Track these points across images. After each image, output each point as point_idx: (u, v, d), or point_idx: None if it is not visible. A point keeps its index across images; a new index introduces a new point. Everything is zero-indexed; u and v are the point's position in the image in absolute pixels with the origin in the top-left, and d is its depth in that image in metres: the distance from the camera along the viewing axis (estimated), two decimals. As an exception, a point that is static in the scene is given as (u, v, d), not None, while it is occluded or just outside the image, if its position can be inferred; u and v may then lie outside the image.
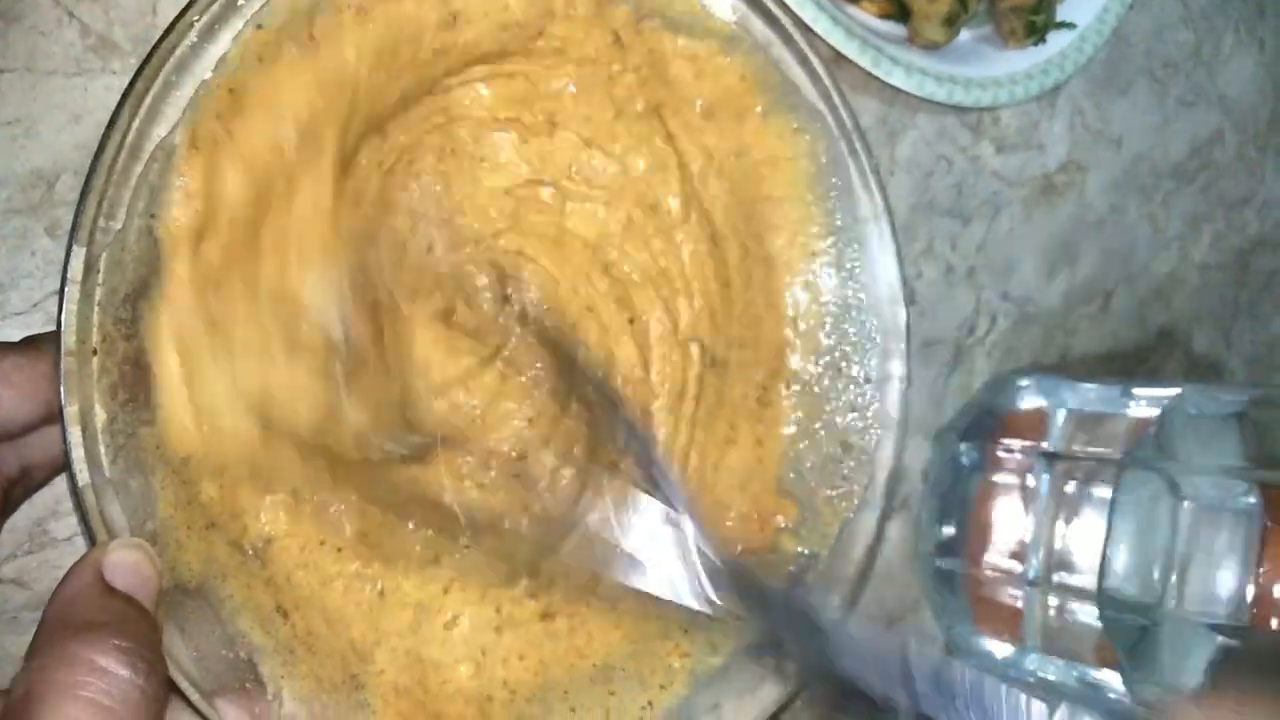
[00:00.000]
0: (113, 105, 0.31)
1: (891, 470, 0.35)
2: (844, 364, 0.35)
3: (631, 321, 0.37)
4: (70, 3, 0.31)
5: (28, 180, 0.31)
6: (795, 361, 0.36)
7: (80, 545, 0.32)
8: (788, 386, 0.36)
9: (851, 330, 0.35)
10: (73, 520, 0.32)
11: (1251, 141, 0.58)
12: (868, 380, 0.35)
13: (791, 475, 0.35)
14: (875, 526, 0.35)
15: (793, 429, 0.36)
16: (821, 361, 0.36)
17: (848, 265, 0.35)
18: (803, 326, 0.36)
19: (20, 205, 0.31)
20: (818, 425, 0.35)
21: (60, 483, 0.31)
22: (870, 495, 0.34)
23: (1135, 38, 0.52)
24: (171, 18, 0.31)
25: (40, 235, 0.31)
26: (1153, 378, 0.54)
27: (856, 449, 0.35)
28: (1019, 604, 0.43)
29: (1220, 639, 0.38)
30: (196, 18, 0.27)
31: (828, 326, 0.35)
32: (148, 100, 0.27)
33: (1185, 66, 0.55)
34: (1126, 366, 0.54)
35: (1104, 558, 0.39)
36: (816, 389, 0.36)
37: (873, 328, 0.35)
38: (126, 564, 0.25)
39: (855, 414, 0.35)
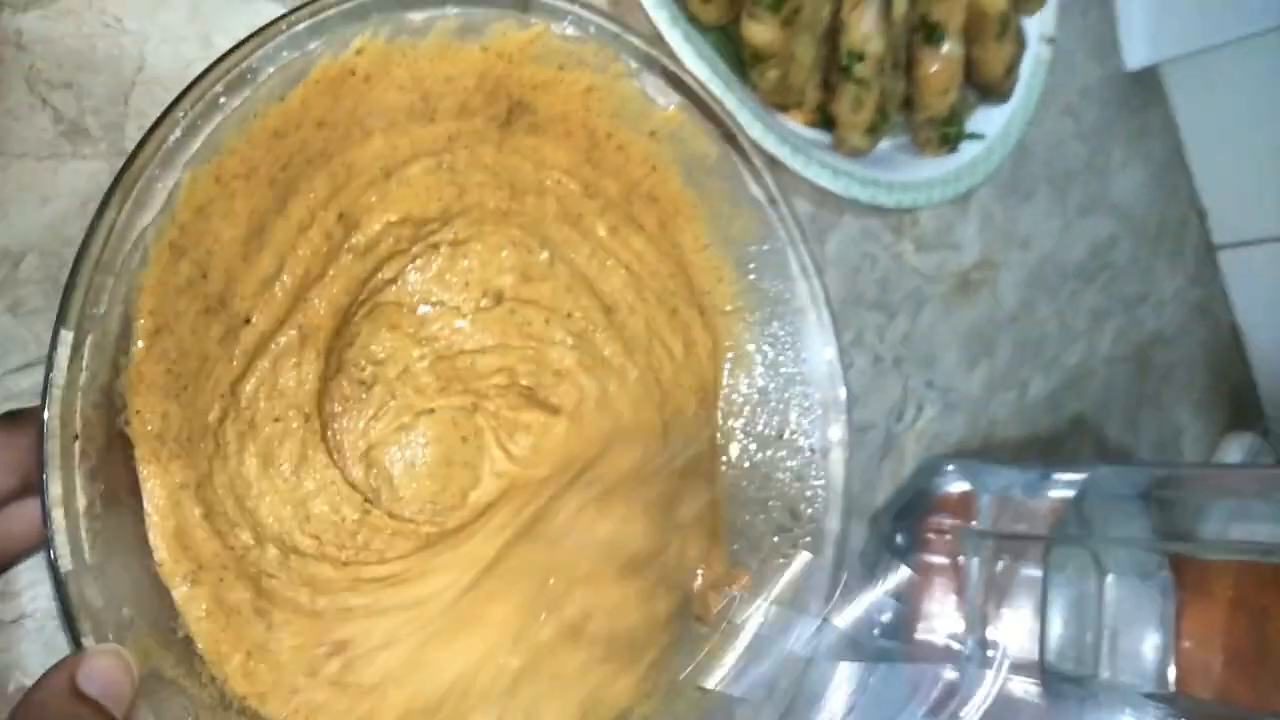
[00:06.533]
0: (82, 188, 0.32)
1: (839, 536, 0.36)
2: (786, 433, 0.37)
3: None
4: (44, 90, 0.32)
5: (-9, 259, 0.32)
6: (739, 432, 0.37)
7: (29, 629, 0.31)
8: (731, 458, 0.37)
9: (794, 403, 0.37)
10: (19, 603, 0.31)
11: (1143, 245, 0.63)
12: (812, 450, 0.37)
13: (742, 545, 0.37)
14: (826, 590, 0.36)
15: (738, 498, 0.37)
16: (766, 432, 0.37)
17: (788, 346, 0.38)
18: (742, 402, 0.37)
19: (-18, 284, 0.31)
20: (765, 494, 0.37)
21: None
22: (820, 561, 0.35)
23: (1036, 149, 0.57)
24: (141, 106, 0.33)
25: (2, 313, 0.31)
26: (1070, 462, 0.56)
27: (804, 517, 0.36)
28: (956, 679, 0.44)
29: (1152, 707, 0.39)
30: (182, 114, 0.28)
31: (772, 401, 0.37)
32: (135, 191, 0.28)
33: (1081, 176, 0.60)
34: (1045, 451, 0.57)
35: (1043, 632, 0.41)
36: (762, 459, 0.37)
37: (815, 401, 0.37)
38: (102, 671, 0.25)
39: (800, 483, 0.36)
